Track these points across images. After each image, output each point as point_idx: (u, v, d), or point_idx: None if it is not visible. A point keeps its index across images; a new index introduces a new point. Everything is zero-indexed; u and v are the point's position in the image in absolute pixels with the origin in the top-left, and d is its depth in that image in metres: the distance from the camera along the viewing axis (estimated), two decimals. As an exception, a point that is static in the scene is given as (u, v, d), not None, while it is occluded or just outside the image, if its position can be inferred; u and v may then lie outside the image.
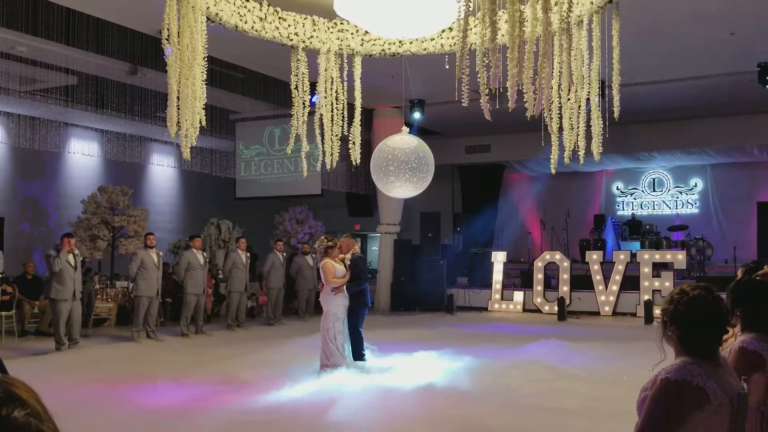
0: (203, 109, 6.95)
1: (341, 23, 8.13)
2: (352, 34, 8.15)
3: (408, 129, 8.83)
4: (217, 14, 7.12)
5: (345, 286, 8.33)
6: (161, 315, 13.62)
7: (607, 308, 15.09)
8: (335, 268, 8.33)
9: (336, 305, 8.27)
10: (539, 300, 15.82)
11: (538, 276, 15.96)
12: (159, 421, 6.07)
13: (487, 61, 6.06)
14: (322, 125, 8.32)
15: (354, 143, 8.66)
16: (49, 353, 9.93)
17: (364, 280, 8.66)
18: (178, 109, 6.72)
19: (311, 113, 8.32)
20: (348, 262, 8.56)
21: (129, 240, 15.61)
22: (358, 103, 8.55)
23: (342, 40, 8.15)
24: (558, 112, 7.20)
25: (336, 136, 8.40)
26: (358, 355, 8.48)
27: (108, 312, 13.34)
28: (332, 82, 8.19)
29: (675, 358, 2.57)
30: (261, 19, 7.61)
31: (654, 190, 21.03)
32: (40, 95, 13.83)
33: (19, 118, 14.67)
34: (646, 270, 14.96)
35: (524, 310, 15.92)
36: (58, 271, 10.06)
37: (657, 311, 2.64)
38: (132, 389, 7.46)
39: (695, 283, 2.70)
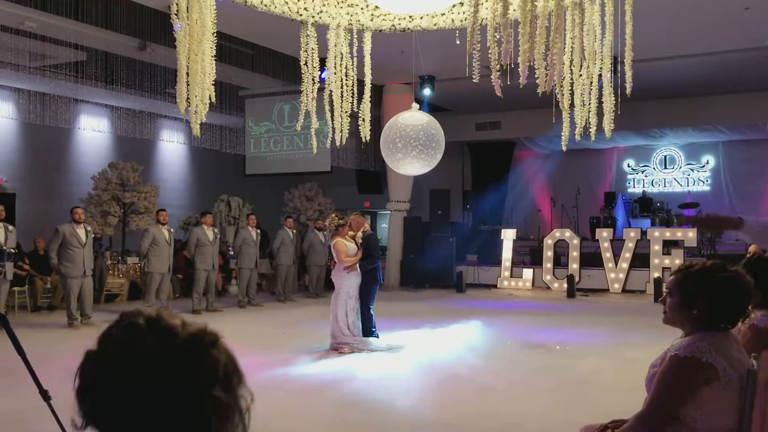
0: (213, 85, 6.94)
1: (351, -2, 8.06)
2: (361, 8, 8.08)
3: (418, 106, 8.79)
4: (226, -11, 7.08)
5: (357, 264, 8.36)
6: (175, 291, 13.72)
7: (616, 285, 15.09)
8: (347, 247, 8.35)
9: (348, 283, 8.31)
10: (548, 277, 15.83)
11: (548, 253, 15.94)
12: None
13: (498, 37, 6.01)
14: (331, 101, 8.29)
15: (364, 120, 8.63)
16: (61, 328, 10.04)
17: (376, 257, 8.67)
18: (188, 85, 6.71)
19: (321, 89, 8.29)
20: (359, 240, 8.57)
21: (140, 216, 15.68)
22: (367, 80, 8.51)
23: (352, 15, 8.09)
24: (569, 88, 7.14)
25: (345, 112, 8.37)
26: (368, 331, 8.52)
27: (120, 288, 13.45)
28: (342, 58, 8.14)
29: (684, 335, 2.57)
30: (270, -6, 7.56)
31: (665, 168, 20.89)
32: (49, 71, 13.84)
33: (29, 94, 14.70)
34: (656, 247, 14.92)
35: (533, 287, 15.95)
36: (66, 248, 10.14)
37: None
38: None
39: (713, 260, 2.69)
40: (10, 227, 9.80)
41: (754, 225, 2.61)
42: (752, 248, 8.61)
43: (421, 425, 5.40)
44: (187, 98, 6.76)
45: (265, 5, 7.51)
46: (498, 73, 5.99)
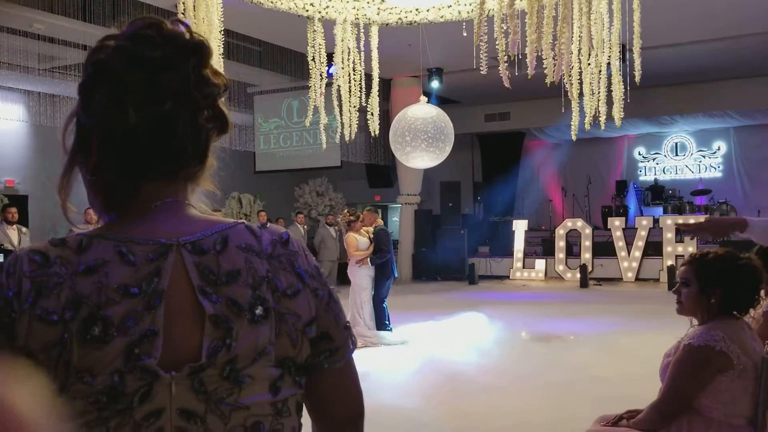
0: (221, 83, 6.94)
1: (357, -8, 8.05)
2: (368, 2, 8.07)
3: (426, 98, 8.78)
4: (232, -13, 7.08)
5: (369, 258, 8.41)
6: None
7: (629, 274, 15.04)
8: (358, 241, 8.44)
9: (361, 277, 8.42)
10: (561, 267, 15.79)
11: (560, 243, 15.91)
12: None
13: (505, 28, 5.99)
14: (340, 96, 8.30)
15: (372, 114, 8.62)
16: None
17: (387, 251, 8.70)
18: (196, 83, 6.72)
19: (329, 84, 8.29)
20: (371, 235, 8.63)
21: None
22: (375, 74, 8.50)
23: (358, 10, 8.08)
24: (578, 77, 7.11)
25: (354, 107, 8.37)
26: (381, 325, 8.56)
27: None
28: (349, 52, 8.14)
29: (698, 324, 2.56)
30: (276, -10, 7.56)
31: (676, 155, 20.75)
32: (58, 72, 13.90)
33: (39, 95, 14.78)
34: (669, 235, 14.85)
35: (546, 277, 15.92)
36: None
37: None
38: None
39: (725, 247, 2.69)
40: (24, 229, 9.88)
41: (759, 224, 2.63)
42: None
43: (427, 425, 5.33)
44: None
45: (272, 2, 7.52)
46: (506, 64, 5.98)
